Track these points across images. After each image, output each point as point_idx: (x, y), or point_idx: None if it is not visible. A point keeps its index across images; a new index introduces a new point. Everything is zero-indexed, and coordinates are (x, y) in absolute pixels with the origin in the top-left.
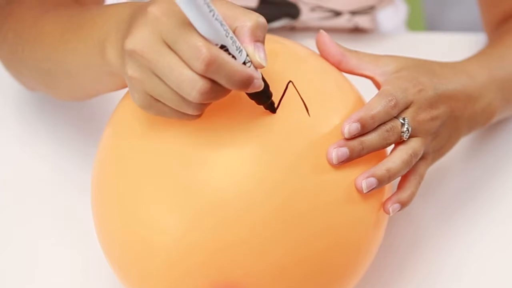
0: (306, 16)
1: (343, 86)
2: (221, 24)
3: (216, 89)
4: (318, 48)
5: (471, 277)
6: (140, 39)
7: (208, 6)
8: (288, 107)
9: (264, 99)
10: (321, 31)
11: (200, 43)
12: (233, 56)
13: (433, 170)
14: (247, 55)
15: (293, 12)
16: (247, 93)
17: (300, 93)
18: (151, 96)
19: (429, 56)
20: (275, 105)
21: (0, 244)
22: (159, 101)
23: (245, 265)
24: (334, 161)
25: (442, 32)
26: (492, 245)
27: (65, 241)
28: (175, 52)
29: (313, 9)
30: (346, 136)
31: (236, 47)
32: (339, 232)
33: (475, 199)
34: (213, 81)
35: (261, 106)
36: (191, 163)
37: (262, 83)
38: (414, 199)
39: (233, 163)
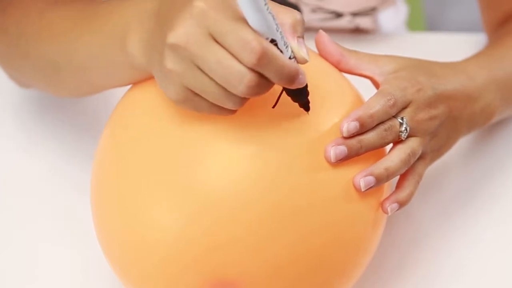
0: (307, 17)
1: (342, 85)
2: (274, 18)
3: (262, 83)
4: (317, 47)
5: (471, 277)
6: (185, 32)
7: None
8: (287, 104)
9: (302, 96)
10: (320, 31)
11: (251, 36)
12: (281, 51)
13: (432, 170)
14: (292, 52)
15: None
16: (285, 90)
17: None
18: (190, 90)
19: (429, 56)
20: (308, 104)
21: (0, 244)
22: (197, 95)
23: (242, 262)
24: (332, 159)
25: (442, 32)
26: (491, 245)
27: (65, 241)
28: (222, 46)
29: (314, 10)
30: (345, 134)
31: (284, 42)
32: (337, 230)
33: (475, 199)
34: (260, 75)
35: (255, 102)
36: (188, 162)
37: (306, 79)
38: (414, 198)
39: (230, 161)
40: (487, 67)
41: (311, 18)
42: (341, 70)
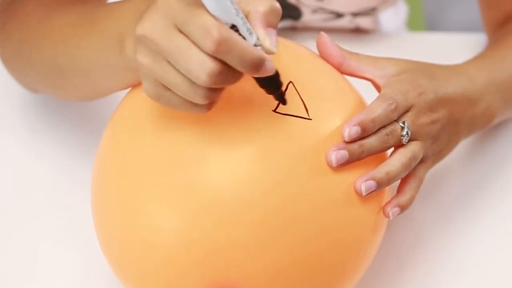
0: (308, 18)
1: (344, 88)
2: (231, 2)
3: (226, 71)
4: (319, 50)
5: (471, 279)
6: (150, 24)
7: None
8: (289, 108)
9: (274, 87)
10: (321, 33)
11: (210, 22)
12: (243, 38)
13: (433, 172)
14: (258, 39)
15: (295, 15)
16: (257, 81)
17: (300, 94)
18: (161, 85)
19: (429, 56)
20: (284, 96)
21: (0, 244)
22: (169, 89)
23: (243, 265)
24: (334, 163)
25: (442, 32)
26: (492, 247)
27: (65, 241)
28: (185, 35)
29: (315, 11)
30: (346, 139)
31: (247, 28)
32: (337, 234)
33: (475, 201)
34: (223, 64)
35: (256, 105)
36: (190, 162)
37: (274, 66)
38: (415, 201)
39: (232, 163)
40: (488, 69)
41: (311, 18)
42: (342, 72)
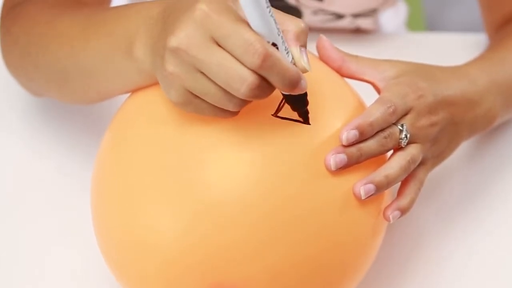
0: (308, 19)
1: (344, 91)
2: (275, 22)
3: (264, 86)
4: (319, 53)
5: (472, 282)
6: (186, 36)
7: (266, 2)
8: (288, 111)
9: (302, 104)
10: (321, 35)
11: (254, 38)
12: None
13: (433, 174)
14: (293, 58)
15: (295, 16)
16: (285, 97)
17: None
18: (190, 93)
19: (429, 56)
20: (307, 114)
21: (0, 244)
22: (198, 97)
23: (242, 267)
24: (332, 167)
25: (442, 32)
26: (493, 250)
27: (65, 241)
28: (224, 49)
29: (316, 12)
30: (344, 143)
31: (285, 47)
32: (337, 237)
33: (476, 203)
34: (262, 79)
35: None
36: (189, 166)
37: (307, 86)
38: (415, 202)
39: (231, 165)
40: (488, 71)
41: (312, 20)
42: (342, 75)
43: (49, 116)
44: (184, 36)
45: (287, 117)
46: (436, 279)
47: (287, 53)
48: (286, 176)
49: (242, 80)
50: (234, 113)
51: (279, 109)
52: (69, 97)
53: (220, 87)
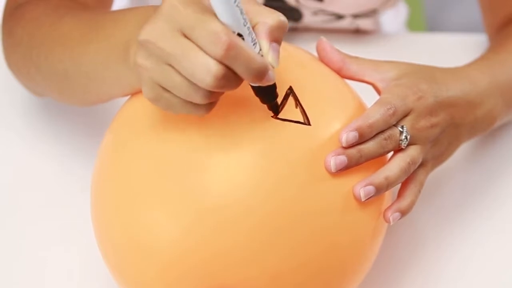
0: (308, 20)
1: (344, 92)
2: (241, 12)
3: (230, 76)
4: (319, 54)
5: (471, 283)
6: (155, 28)
7: None
8: (288, 112)
9: (270, 97)
10: (322, 37)
11: (220, 28)
12: None
13: (433, 175)
14: (260, 50)
15: (295, 17)
16: (254, 89)
17: (300, 99)
18: (160, 87)
19: (429, 57)
20: (279, 108)
21: (0, 244)
22: (167, 91)
23: (241, 270)
24: (332, 169)
25: (443, 32)
26: (492, 251)
27: (65, 241)
28: (190, 40)
29: (316, 13)
30: (344, 145)
31: (252, 38)
32: (337, 239)
33: (476, 205)
34: (228, 69)
35: (256, 111)
36: (189, 168)
37: (275, 77)
38: (415, 204)
39: (231, 168)
40: (489, 72)
41: (312, 20)
42: (342, 76)
43: (50, 116)
44: (152, 29)
45: (287, 118)
46: (436, 281)
47: (254, 44)
48: (285, 178)
49: (206, 70)
50: (207, 109)
51: (279, 111)
52: (68, 99)
53: (186, 78)
